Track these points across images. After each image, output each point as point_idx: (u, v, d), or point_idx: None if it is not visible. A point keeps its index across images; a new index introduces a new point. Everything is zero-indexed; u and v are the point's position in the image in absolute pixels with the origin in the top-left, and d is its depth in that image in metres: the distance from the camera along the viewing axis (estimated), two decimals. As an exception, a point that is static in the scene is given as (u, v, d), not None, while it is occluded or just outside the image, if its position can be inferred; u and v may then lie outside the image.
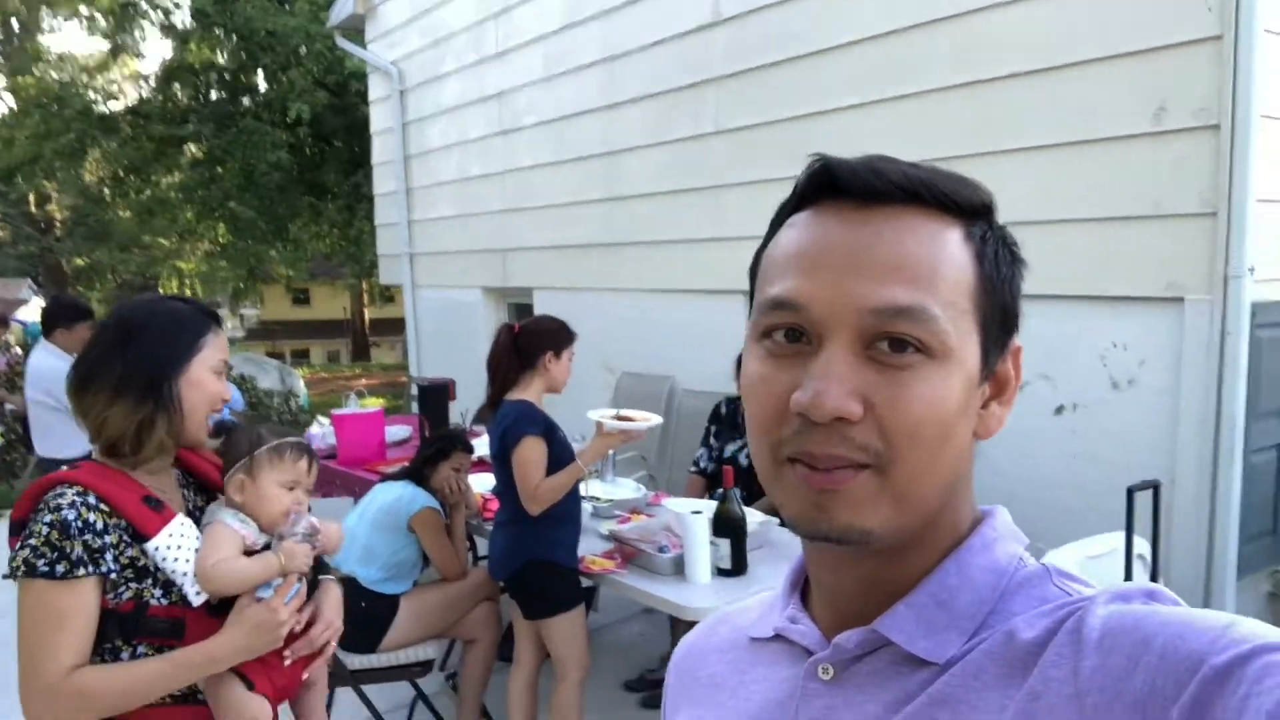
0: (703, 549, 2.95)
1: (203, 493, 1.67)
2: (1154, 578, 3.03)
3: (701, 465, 4.19)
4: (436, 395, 4.93)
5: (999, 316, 0.60)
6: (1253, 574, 3.54)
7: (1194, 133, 3.27)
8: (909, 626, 0.59)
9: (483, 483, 3.91)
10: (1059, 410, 3.78)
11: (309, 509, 1.67)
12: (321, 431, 4.96)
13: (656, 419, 3.06)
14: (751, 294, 0.66)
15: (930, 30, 4.07)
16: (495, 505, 3.67)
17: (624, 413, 3.03)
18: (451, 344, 7.86)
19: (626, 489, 3.82)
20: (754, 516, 3.20)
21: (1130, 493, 3.00)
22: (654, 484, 4.93)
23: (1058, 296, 3.72)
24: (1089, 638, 0.51)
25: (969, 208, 0.60)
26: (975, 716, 0.54)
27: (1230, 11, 3.14)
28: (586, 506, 3.56)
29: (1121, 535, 3.18)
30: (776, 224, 0.65)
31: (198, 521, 1.55)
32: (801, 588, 0.69)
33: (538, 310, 6.70)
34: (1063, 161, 3.66)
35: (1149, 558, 3.11)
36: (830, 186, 0.61)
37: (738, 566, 3.00)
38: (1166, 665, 0.47)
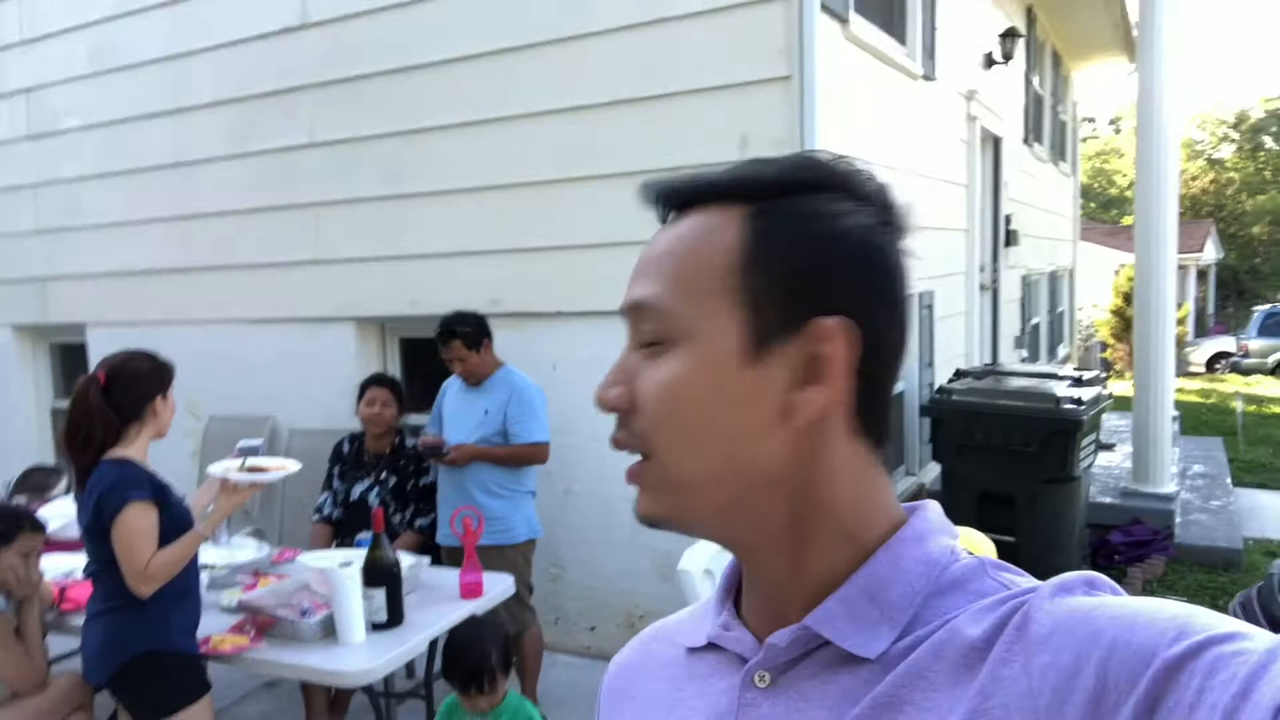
0: (356, 605, 2.67)
1: None
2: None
3: (326, 511, 3.82)
4: (-35, 463, 3.92)
5: (780, 292, 0.57)
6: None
7: (774, 163, 3.70)
8: (839, 622, 0.56)
9: (55, 567, 3.18)
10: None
11: None
12: None
13: (294, 465, 2.72)
14: None
15: (531, 54, 4.14)
16: (77, 593, 3.01)
17: (254, 463, 2.64)
18: (-31, 396, 6.35)
19: (246, 549, 3.35)
20: (404, 560, 2.98)
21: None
22: (265, 538, 4.41)
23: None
24: (1037, 634, 0.50)
25: (757, 191, 0.59)
26: (923, 717, 0.52)
27: (795, 56, 3.60)
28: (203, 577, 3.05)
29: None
30: None
31: None
32: (735, 594, 0.66)
33: (93, 352, 5.67)
34: (665, 186, 3.93)
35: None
36: (655, 202, 0.64)
37: (394, 617, 2.77)
38: (1118, 659, 0.47)
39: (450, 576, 3.13)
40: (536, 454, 3.65)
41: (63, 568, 3.30)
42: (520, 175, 4.24)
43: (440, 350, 3.64)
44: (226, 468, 2.61)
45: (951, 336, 6.18)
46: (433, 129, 4.41)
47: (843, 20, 4.02)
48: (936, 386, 4.67)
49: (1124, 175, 43.38)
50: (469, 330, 3.62)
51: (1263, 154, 38.74)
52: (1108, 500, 5.31)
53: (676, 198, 0.62)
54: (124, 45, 5.28)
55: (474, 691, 2.49)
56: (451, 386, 3.84)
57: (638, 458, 0.60)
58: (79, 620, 2.92)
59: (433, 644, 2.82)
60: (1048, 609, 0.51)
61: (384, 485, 3.76)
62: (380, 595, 2.74)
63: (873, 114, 4.56)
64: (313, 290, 4.87)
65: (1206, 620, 0.47)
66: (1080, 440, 3.93)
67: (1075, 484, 4.08)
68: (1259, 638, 0.45)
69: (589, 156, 4.07)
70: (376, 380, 3.90)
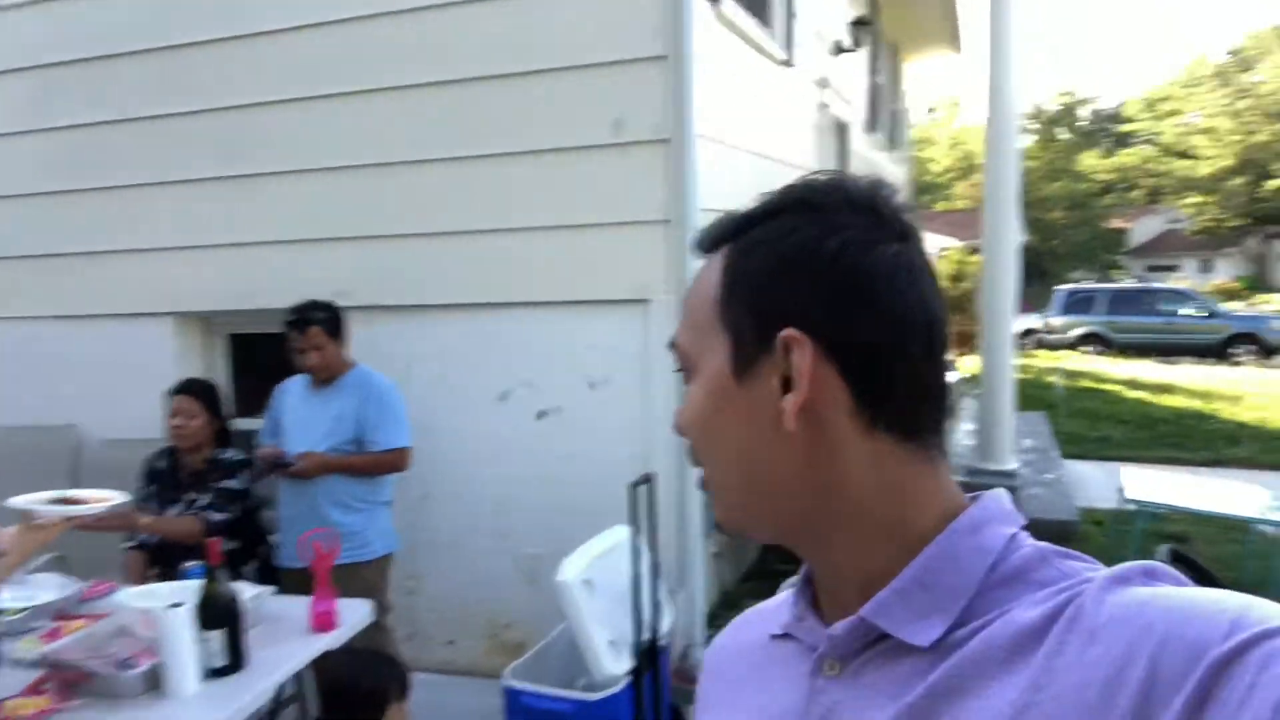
0: (188, 651, 2.30)
1: None
2: (654, 564, 3.18)
3: (140, 538, 3.32)
4: None
5: (753, 316, 0.62)
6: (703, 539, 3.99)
7: (648, 145, 3.51)
8: (894, 611, 0.59)
9: None
10: (541, 414, 3.81)
11: None
12: None
13: (118, 496, 2.30)
14: None
15: (385, 23, 3.77)
16: None
17: (70, 494, 2.21)
18: None
19: (46, 587, 2.85)
20: (244, 592, 2.60)
21: (633, 488, 3.10)
22: (67, 569, 3.84)
23: (535, 304, 3.74)
24: (1090, 625, 0.51)
25: (735, 228, 0.65)
26: (978, 705, 0.53)
27: (671, 35, 3.41)
28: (-14, 626, 2.56)
29: (622, 529, 3.30)
30: None
31: None
32: (813, 586, 0.69)
33: None
34: (531, 168, 3.67)
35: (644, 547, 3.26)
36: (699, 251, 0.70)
37: (235, 662, 2.40)
38: (1170, 653, 0.47)
39: (297, 607, 2.77)
40: (398, 461, 3.32)
41: None
42: (372, 155, 3.86)
43: (294, 339, 3.25)
44: (30, 500, 2.17)
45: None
46: (271, 104, 3.96)
47: (714, 0, 3.86)
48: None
49: (936, 162, 46.22)
50: (326, 316, 3.27)
51: (1057, 144, 42.25)
52: (955, 479, 5.47)
53: (704, 246, 0.68)
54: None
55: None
56: (291, 388, 3.43)
57: None
58: None
59: (285, 700, 2.47)
60: (1102, 599, 0.52)
61: (192, 507, 3.22)
62: (218, 637, 2.37)
63: (742, 99, 4.45)
64: (124, 282, 4.31)
65: (1263, 612, 0.47)
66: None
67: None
68: None
69: (449, 136, 3.74)
70: (181, 388, 3.33)
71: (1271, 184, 37.22)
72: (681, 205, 3.47)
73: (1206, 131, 42.28)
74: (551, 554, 3.72)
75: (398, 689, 2.26)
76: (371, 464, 3.28)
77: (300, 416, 3.33)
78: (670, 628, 3.31)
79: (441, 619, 3.98)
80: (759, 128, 4.79)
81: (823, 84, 6.46)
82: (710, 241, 0.67)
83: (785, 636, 0.70)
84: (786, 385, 0.60)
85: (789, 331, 0.60)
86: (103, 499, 2.25)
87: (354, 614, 2.79)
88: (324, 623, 2.67)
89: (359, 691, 2.21)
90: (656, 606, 3.17)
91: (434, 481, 3.85)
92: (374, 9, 3.77)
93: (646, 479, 3.23)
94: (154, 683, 2.30)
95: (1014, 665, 0.53)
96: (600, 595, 3.01)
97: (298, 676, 2.58)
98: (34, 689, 2.31)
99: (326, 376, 3.30)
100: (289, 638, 2.63)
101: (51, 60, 4.27)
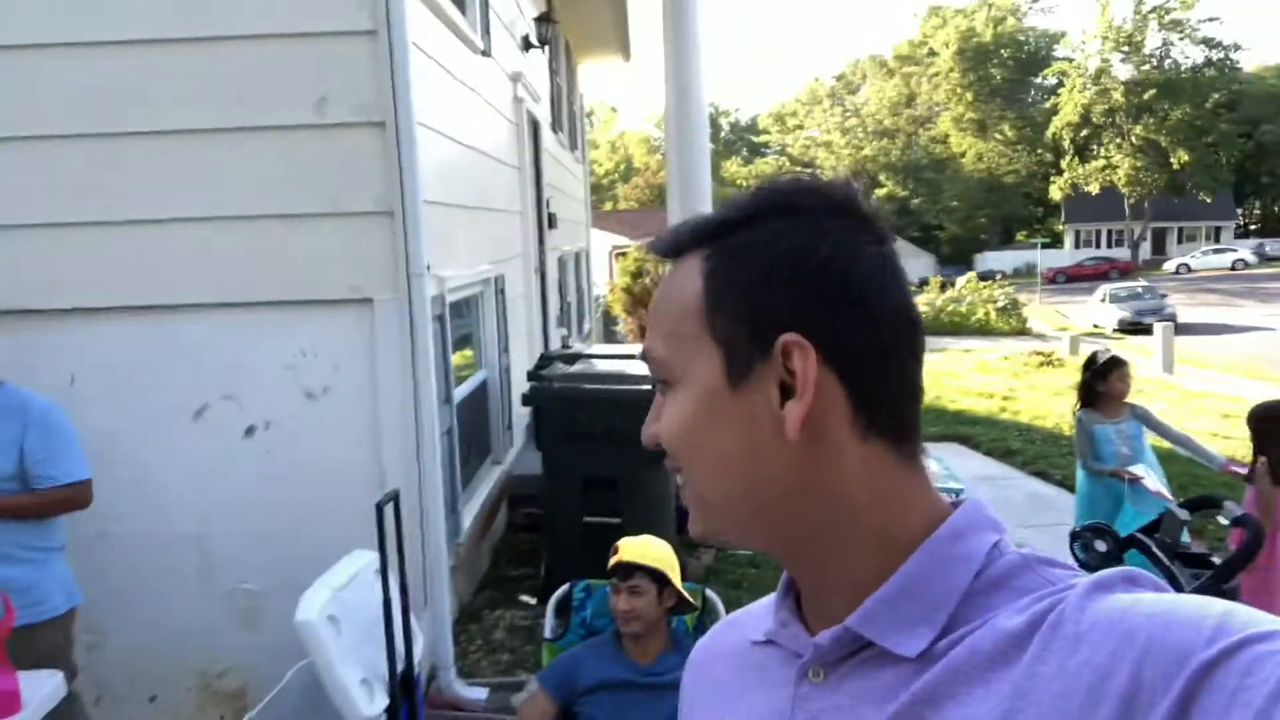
0: None
1: None
2: (403, 588, 2.93)
3: None
4: None
5: (744, 324, 0.60)
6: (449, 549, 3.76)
7: (360, 128, 3.21)
8: (880, 620, 0.58)
9: None
10: (249, 431, 3.36)
11: None
12: None
13: None
14: None
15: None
16: None
17: None
18: None
19: None
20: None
21: (379, 507, 2.82)
22: None
23: (237, 305, 3.29)
24: (1073, 632, 0.51)
25: (710, 234, 0.63)
26: (962, 712, 0.53)
27: (381, 11, 3.14)
28: None
29: (362, 553, 3.00)
30: None
31: None
32: (796, 591, 0.68)
33: None
34: (219, 148, 3.21)
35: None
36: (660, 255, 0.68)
37: None
38: (1153, 659, 0.47)
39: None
40: (77, 497, 2.70)
41: None
42: (11, 127, 3.16)
43: None
44: None
45: (518, 318, 6.13)
46: None
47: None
48: (528, 373, 4.54)
49: (600, 165, 48.38)
50: None
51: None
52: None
53: (668, 251, 0.66)
54: None
55: None
56: None
57: None
58: None
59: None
60: (1084, 607, 0.52)
61: None
62: None
63: (450, 86, 4.23)
64: None
65: (1246, 618, 0.47)
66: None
67: (670, 461, 4.23)
68: None
69: (116, 108, 3.17)
70: None
71: (879, 192, 43.46)
72: (404, 196, 3.22)
73: (825, 145, 48.34)
74: (270, 590, 3.31)
75: None
76: (45, 504, 2.65)
77: None
78: (420, 654, 3.06)
79: (137, 675, 3.38)
80: (466, 118, 4.61)
81: (516, 78, 6.39)
82: (676, 246, 0.65)
83: (769, 643, 0.69)
84: (784, 393, 0.59)
85: (790, 337, 0.59)
86: None
87: (41, 689, 2.25)
88: (7, 706, 2.12)
89: None
90: (409, 634, 2.91)
91: (113, 518, 3.24)
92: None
93: (393, 496, 2.96)
94: None
95: (997, 672, 0.53)
96: (347, 630, 2.69)
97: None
98: None
99: None
100: None
101: None
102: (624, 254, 15.01)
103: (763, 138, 54.98)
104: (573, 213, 10.99)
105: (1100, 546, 2.91)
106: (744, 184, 48.88)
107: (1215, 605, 0.49)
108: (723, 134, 53.21)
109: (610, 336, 14.62)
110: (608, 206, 43.11)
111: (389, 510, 2.90)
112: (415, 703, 2.92)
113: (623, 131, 54.89)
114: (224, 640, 3.39)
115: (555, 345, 8.01)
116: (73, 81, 3.16)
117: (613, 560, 2.42)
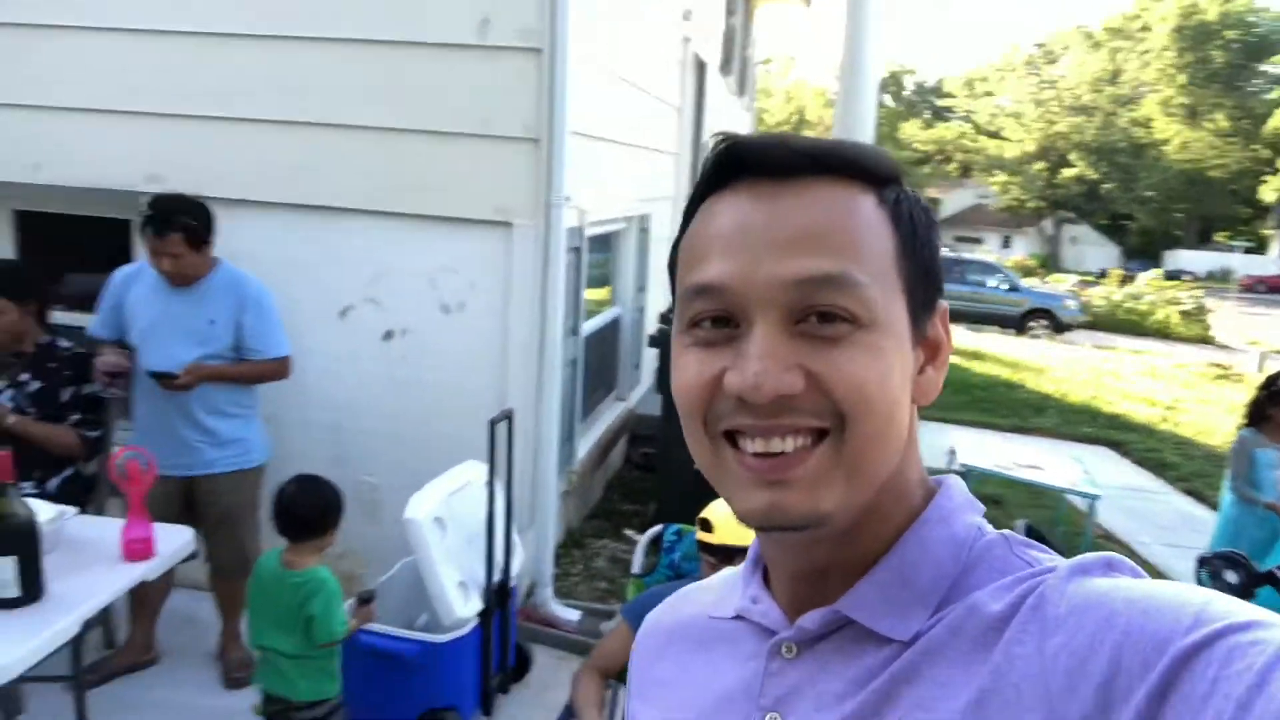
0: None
1: None
2: (508, 504, 3.04)
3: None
4: None
5: (922, 279, 0.59)
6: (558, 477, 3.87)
7: (518, 53, 3.25)
8: (872, 605, 0.58)
9: None
10: (388, 335, 3.53)
11: None
12: None
13: None
14: (673, 287, 0.63)
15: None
16: None
17: None
18: None
19: None
20: (41, 513, 2.23)
21: (492, 424, 2.93)
22: None
23: (386, 214, 3.43)
24: (1052, 615, 0.51)
25: (879, 175, 0.59)
26: (938, 692, 0.53)
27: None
28: None
29: (475, 465, 3.12)
30: (689, 212, 0.62)
31: None
32: (763, 566, 0.67)
33: None
34: (383, 60, 3.33)
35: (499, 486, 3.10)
36: (738, 166, 0.59)
37: (31, 592, 2.08)
38: (1132, 644, 0.47)
39: (107, 531, 2.44)
40: (281, 369, 3.13)
41: None
42: (196, 21, 3.38)
43: (148, 239, 2.85)
44: None
45: (661, 260, 6.14)
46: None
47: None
48: (659, 315, 4.55)
49: (771, 114, 47.37)
50: (194, 225, 2.87)
51: (882, 109, 44.21)
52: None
53: (787, 163, 0.57)
54: None
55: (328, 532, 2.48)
56: (139, 281, 3.01)
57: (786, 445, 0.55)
58: None
59: (87, 624, 2.16)
60: (1063, 590, 0.52)
61: (21, 389, 2.83)
62: (9, 565, 2.05)
63: (613, 17, 4.22)
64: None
65: (1224, 607, 0.47)
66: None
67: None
68: (1278, 627, 0.45)
69: (290, 11, 3.34)
70: None
71: (1068, 172, 40.65)
72: (552, 124, 3.26)
73: (1015, 116, 45.52)
74: (391, 485, 3.51)
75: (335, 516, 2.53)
76: (257, 374, 3.08)
77: (160, 318, 2.94)
78: (519, 568, 3.18)
79: (265, 544, 3.67)
80: (627, 52, 4.59)
81: (686, 16, 6.30)
82: (804, 164, 0.57)
83: (734, 619, 0.68)
84: (929, 356, 0.61)
85: (944, 303, 0.61)
86: None
87: (172, 542, 2.48)
88: (137, 551, 2.36)
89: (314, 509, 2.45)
90: (509, 547, 3.03)
91: (264, 399, 3.50)
92: None
93: (507, 415, 3.06)
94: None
95: (976, 653, 0.53)
96: (452, 534, 2.83)
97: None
98: None
99: (184, 281, 2.93)
100: (94, 566, 2.31)
101: None
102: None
103: (947, 101, 52.34)
104: (733, 161, 10.82)
105: (1230, 577, 2.68)
106: (922, 147, 46.86)
107: (1196, 593, 0.48)
108: (905, 92, 51.00)
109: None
110: (774, 160, 42.24)
111: (502, 428, 3.01)
112: (509, 612, 3.05)
113: (798, 80, 53.41)
114: (346, 525, 3.61)
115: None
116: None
117: (702, 535, 2.20)
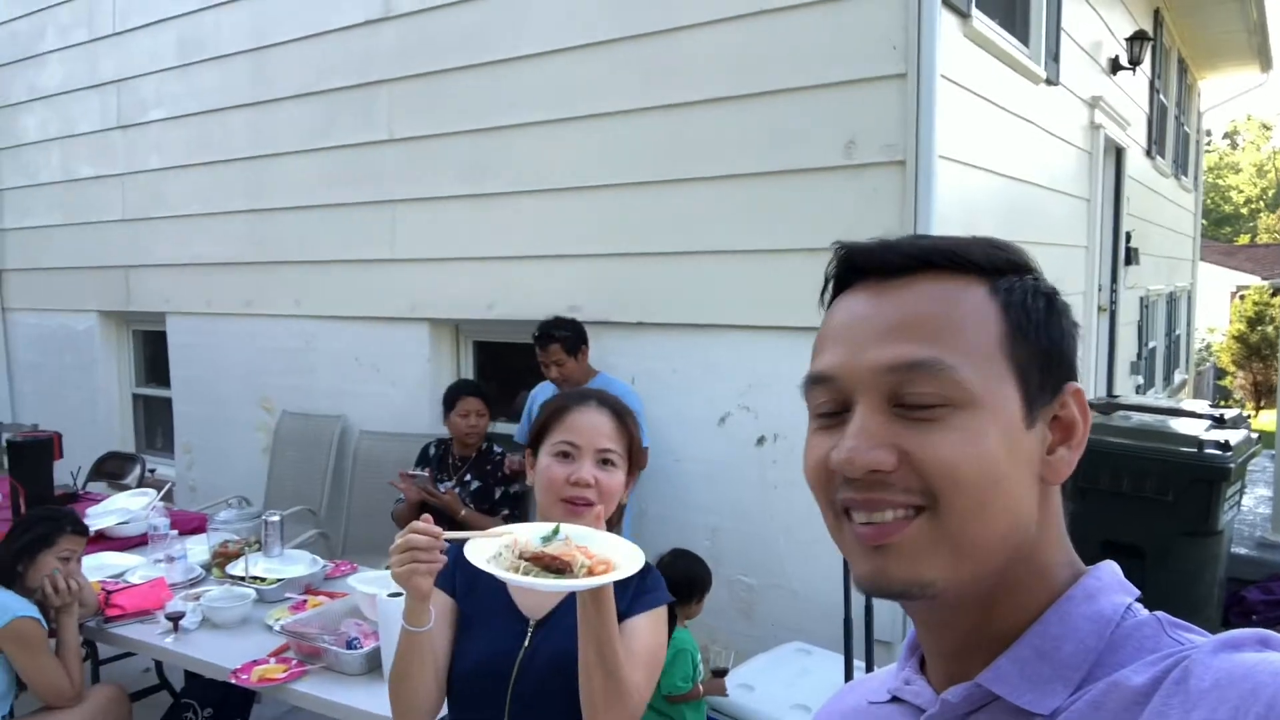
0: (403, 639, 2.44)
1: None
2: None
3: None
4: (35, 453, 3.86)
5: (1040, 361, 0.62)
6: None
7: (882, 167, 3.35)
8: (1013, 679, 0.59)
9: (105, 566, 3.05)
10: (760, 440, 3.73)
11: None
12: None
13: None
14: None
15: (622, 48, 3.89)
16: (125, 599, 2.85)
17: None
18: (58, 381, 6.44)
19: (298, 563, 3.15)
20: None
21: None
22: (328, 546, 4.26)
23: (759, 328, 3.67)
24: (1196, 688, 0.50)
25: (991, 266, 0.63)
26: None
27: (913, 53, 3.25)
28: (248, 591, 2.87)
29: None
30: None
31: None
32: (920, 652, 0.70)
33: (171, 341, 5.66)
34: (757, 190, 3.63)
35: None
36: (854, 269, 0.66)
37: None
38: (1276, 717, 0.45)
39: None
40: (642, 460, 3.52)
41: (113, 568, 3.18)
42: (605, 177, 3.99)
43: (538, 354, 3.59)
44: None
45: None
46: (514, 126, 4.19)
47: (963, 15, 3.64)
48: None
49: (1239, 191, 41.15)
50: (568, 335, 3.55)
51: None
52: (1242, 551, 4.76)
53: (894, 262, 0.63)
54: (209, 38, 5.25)
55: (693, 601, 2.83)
56: (544, 394, 3.64)
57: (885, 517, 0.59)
58: (125, 629, 2.79)
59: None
60: (1209, 663, 0.51)
61: (465, 487, 3.65)
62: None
63: (991, 119, 4.16)
64: (388, 288, 4.72)
65: None
66: (1225, 490, 3.46)
67: (1217, 538, 3.61)
68: None
69: (678, 158, 3.79)
70: (468, 389, 3.81)
71: None
72: (915, 229, 3.29)
73: None
74: (764, 585, 3.65)
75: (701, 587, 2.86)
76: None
77: None
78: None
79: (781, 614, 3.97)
80: (1014, 151, 4.46)
81: (1094, 104, 5.91)
82: (915, 261, 0.63)
83: (890, 701, 0.70)
84: (1062, 437, 0.63)
85: (1076, 384, 0.63)
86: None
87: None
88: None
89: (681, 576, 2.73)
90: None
91: (651, 498, 3.88)
92: (609, 35, 3.89)
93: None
94: (375, 663, 2.46)
95: None
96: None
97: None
98: (277, 655, 2.56)
99: (569, 386, 3.49)
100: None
101: (332, 86, 4.77)
102: (1242, 296, 12.68)
103: None
104: (1171, 247, 9.67)
105: None
106: None
107: None
108: None
109: (1214, 392, 12.48)
110: (1243, 239, 36.46)
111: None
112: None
113: (1274, 152, 45.93)
114: (722, 621, 3.81)
115: (1125, 395, 7.20)
116: (657, 138, 3.84)
117: None
